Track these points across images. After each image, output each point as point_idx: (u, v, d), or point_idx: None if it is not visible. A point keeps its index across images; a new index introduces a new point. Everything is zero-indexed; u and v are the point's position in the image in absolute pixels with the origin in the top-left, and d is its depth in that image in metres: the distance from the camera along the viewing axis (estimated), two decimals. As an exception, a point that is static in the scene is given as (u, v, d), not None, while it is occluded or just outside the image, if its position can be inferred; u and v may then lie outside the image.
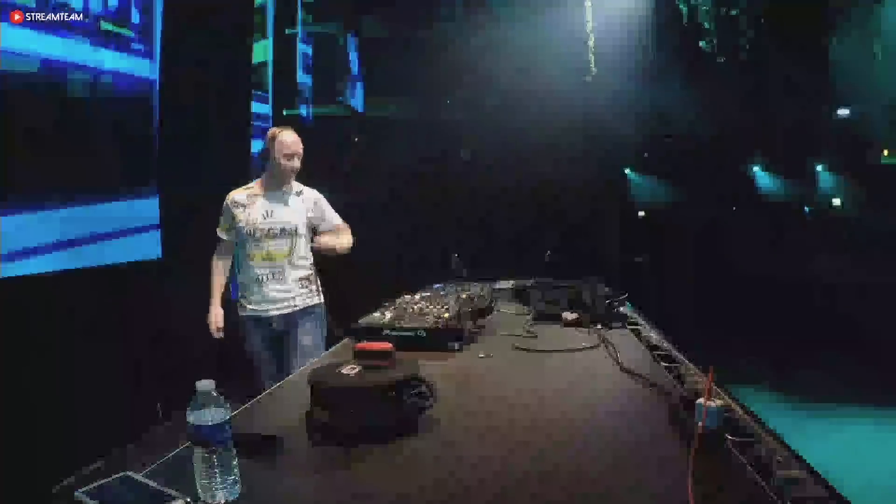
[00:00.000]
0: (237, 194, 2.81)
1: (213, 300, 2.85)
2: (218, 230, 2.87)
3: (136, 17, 3.88)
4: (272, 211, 2.77)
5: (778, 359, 5.70)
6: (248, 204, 2.78)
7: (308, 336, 2.78)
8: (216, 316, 2.84)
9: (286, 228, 2.76)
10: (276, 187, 2.79)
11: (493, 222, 7.25)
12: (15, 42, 3.02)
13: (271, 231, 2.74)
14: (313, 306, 2.83)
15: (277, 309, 2.76)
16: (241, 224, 2.74)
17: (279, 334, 2.80)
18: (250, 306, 2.78)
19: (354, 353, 1.43)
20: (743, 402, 1.40)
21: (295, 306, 2.78)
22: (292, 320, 2.78)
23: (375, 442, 1.25)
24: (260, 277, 2.74)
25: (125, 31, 3.79)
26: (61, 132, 3.35)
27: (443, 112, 7.28)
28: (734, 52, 7.36)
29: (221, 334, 2.85)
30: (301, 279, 2.79)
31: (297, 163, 2.77)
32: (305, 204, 2.84)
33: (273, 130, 2.80)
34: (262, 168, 2.89)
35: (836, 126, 7.88)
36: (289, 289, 2.76)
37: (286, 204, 2.80)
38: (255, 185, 2.85)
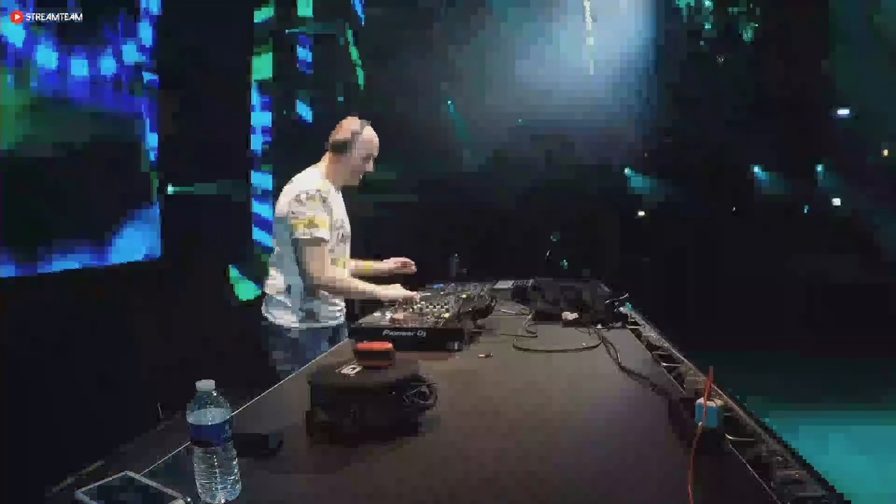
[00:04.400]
0: (325, 185, 2.38)
1: (380, 288, 2.42)
2: (324, 231, 2.31)
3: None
4: (342, 210, 2.52)
5: (777, 358, 5.70)
6: (334, 199, 2.43)
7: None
8: (396, 290, 2.42)
9: (349, 231, 2.57)
10: (336, 185, 2.48)
11: (493, 222, 7.26)
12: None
13: (349, 232, 2.53)
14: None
15: (341, 314, 2.56)
16: (335, 225, 2.40)
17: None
18: (324, 318, 2.46)
19: (355, 353, 1.43)
20: (743, 402, 1.40)
21: (343, 309, 2.60)
22: (343, 326, 2.59)
23: (375, 442, 1.25)
24: None
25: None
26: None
27: (443, 112, 7.29)
28: (734, 52, 7.36)
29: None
30: None
31: (372, 167, 2.49)
32: None
33: (353, 121, 2.45)
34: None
35: (836, 126, 7.88)
36: (342, 301, 2.57)
37: (342, 204, 2.56)
38: (321, 176, 2.43)
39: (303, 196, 2.30)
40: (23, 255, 3.10)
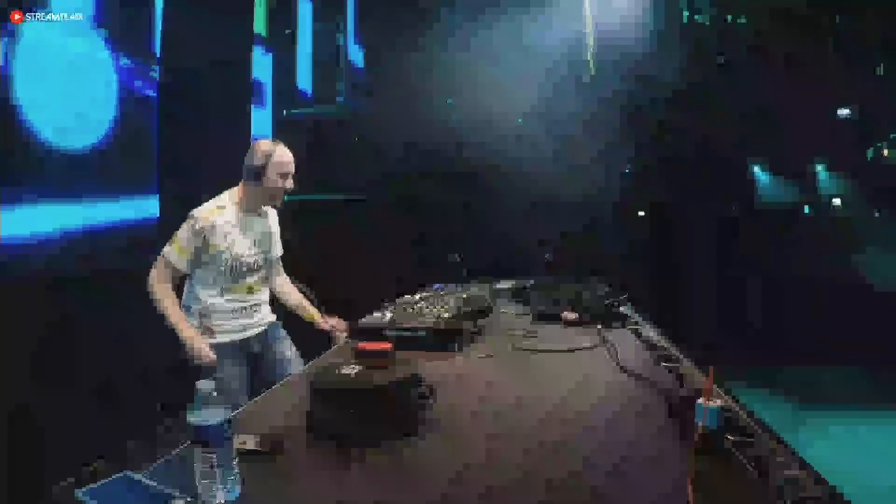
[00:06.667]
0: (214, 216, 2.34)
1: (186, 329, 2.34)
2: (174, 254, 2.32)
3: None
4: (257, 240, 2.47)
5: (778, 359, 5.71)
6: (230, 232, 2.37)
7: (289, 347, 2.60)
8: (201, 343, 2.34)
9: (268, 258, 2.54)
10: (254, 209, 2.47)
11: (493, 222, 7.25)
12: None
13: (256, 263, 2.46)
14: (277, 320, 2.64)
15: (254, 329, 2.51)
16: (222, 257, 2.35)
17: (255, 355, 2.52)
18: (223, 334, 2.43)
19: (355, 353, 1.43)
20: (743, 402, 1.40)
21: (268, 322, 2.58)
22: (269, 337, 2.56)
23: (375, 442, 1.25)
24: (236, 309, 2.44)
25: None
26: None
27: (444, 113, 7.28)
28: (733, 52, 7.37)
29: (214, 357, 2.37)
30: (268, 300, 2.61)
31: (292, 183, 2.45)
32: (274, 226, 2.59)
33: (265, 144, 2.45)
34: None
35: (836, 126, 7.88)
36: (263, 311, 2.57)
37: (264, 228, 2.52)
38: (227, 204, 2.42)
39: (187, 217, 2.34)
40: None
